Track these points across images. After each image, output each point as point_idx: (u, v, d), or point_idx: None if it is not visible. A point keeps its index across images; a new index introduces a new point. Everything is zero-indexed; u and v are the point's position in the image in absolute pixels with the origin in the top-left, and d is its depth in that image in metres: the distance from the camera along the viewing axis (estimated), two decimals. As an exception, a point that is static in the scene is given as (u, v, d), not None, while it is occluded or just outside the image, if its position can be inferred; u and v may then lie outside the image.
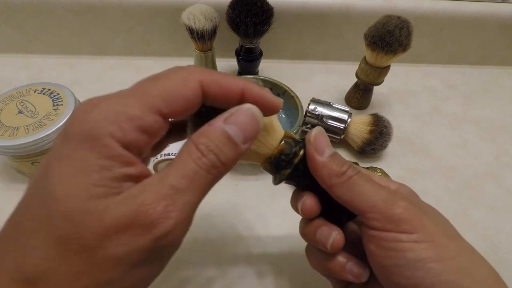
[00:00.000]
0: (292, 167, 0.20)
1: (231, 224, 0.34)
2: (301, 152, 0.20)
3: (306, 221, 0.21)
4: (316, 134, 0.19)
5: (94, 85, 0.50)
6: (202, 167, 0.14)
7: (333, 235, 0.19)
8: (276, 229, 0.34)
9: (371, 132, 0.39)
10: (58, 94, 0.37)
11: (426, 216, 0.18)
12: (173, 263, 0.31)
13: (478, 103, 0.53)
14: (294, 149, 0.20)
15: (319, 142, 0.19)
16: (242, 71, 0.51)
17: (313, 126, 0.41)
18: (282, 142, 0.20)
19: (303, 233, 0.22)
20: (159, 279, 0.17)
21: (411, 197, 0.21)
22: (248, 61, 0.48)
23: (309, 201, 0.20)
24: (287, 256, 0.32)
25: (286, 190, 0.38)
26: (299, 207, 0.20)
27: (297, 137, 0.21)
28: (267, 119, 0.18)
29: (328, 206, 0.21)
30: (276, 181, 0.21)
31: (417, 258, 0.16)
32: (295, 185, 0.22)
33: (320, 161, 0.19)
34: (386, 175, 0.37)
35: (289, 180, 0.21)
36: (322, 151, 0.19)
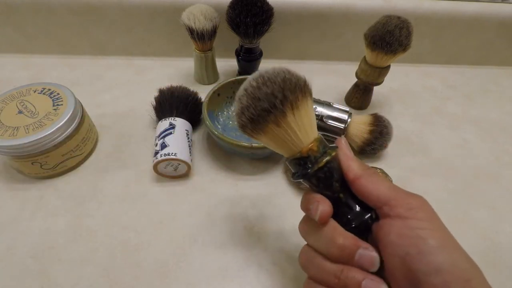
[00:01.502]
0: (318, 166, 0.21)
1: (231, 223, 0.34)
2: (333, 153, 0.21)
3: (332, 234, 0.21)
4: (345, 139, 0.23)
5: (94, 85, 0.50)
6: None
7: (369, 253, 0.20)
8: (276, 229, 0.34)
9: (371, 132, 0.39)
10: (58, 94, 0.37)
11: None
12: (171, 264, 0.31)
13: (478, 103, 0.53)
14: (324, 150, 0.21)
15: (348, 145, 0.23)
16: (242, 71, 0.51)
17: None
18: (314, 143, 0.21)
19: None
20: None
21: None
22: (248, 61, 0.48)
23: (325, 206, 0.21)
24: (288, 256, 0.32)
25: (286, 190, 0.38)
26: (318, 210, 0.21)
27: (325, 142, 0.22)
28: (305, 118, 0.20)
29: (339, 210, 0.22)
30: (295, 177, 0.22)
31: (439, 244, 0.17)
32: (311, 185, 0.22)
33: (352, 155, 0.22)
34: (386, 175, 0.37)
35: (309, 178, 0.21)
36: (351, 151, 0.23)
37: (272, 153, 0.40)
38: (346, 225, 0.21)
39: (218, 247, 0.32)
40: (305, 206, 0.22)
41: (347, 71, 0.49)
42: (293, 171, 0.23)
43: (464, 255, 0.18)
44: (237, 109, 0.21)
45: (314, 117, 0.22)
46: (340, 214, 0.22)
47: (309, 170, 0.21)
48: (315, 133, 0.22)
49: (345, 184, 0.22)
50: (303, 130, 0.21)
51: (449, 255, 0.17)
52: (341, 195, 0.22)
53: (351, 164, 0.22)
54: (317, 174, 0.21)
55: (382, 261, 0.20)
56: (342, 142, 0.23)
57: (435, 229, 0.18)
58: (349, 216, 0.22)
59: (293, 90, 0.20)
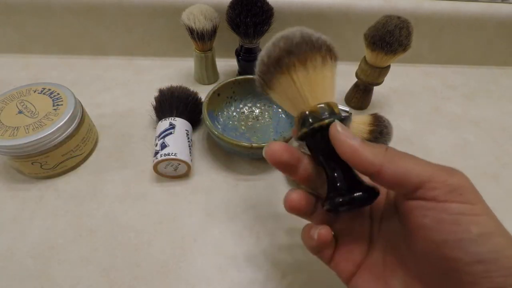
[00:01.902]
0: (309, 129, 0.20)
1: (231, 223, 0.34)
2: (304, 130, 0.20)
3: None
4: (342, 125, 0.19)
5: (94, 85, 0.50)
6: None
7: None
8: (276, 229, 0.34)
9: (371, 132, 0.39)
10: (58, 94, 0.37)
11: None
12: (171, 264, 0.31)
13: (478, 103, 0.53)
14: (324, 116, 0.20)
15: (348, 130, 0.19)
16: (242, 71, 0.51)
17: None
18: (320, 105, 0.20)
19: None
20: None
21: None
22: (248, 61, 0.48)
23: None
24: (288, 255, 0.32)
25: (286, 190, 0.38)
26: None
27: (339, 111, 0.21)
28: (289, 91, 0.20)
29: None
30: (296, 137, 0.22)
31: (483, 232, 0.16)
32: (313, 151, 0.21)
33: (357, 145, 0.18)
34: None
35: (305, 141, 0.21)
36: (353, 137, 0.18)
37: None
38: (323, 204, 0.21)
39: (218, 247, 0.32)
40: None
41: (347, 71, 0.49)
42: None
43: (509, 240, 0.16)
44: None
45: (307, 90, 0.20)
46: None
47: (293, 137, 0.22)
48: (306, 106, 0.20)
49: (333, 158, 0.20)
50: (289, 103, 0.21)
51: (493, 244, 0.15)
52: (327, 170, 0.21)
53: (363, 158, 0.18)
54: (299, 142, 0.22)
55: (409, 243, 0.19)
56: (336, 136, 0.18)
57: (477, 214, 0.16)
58: (326, 196, 0.21)
59: (267, 71, 0.21)
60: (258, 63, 0.22)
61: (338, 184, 0.20)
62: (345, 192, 0.19)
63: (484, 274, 0.15)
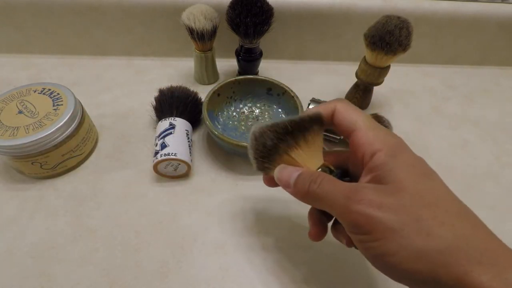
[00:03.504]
0: None
1: (231, 223, 0.34)
2: None
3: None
4: (277, 174, 0.23)
5: (94, 85, 0.50)
6: None
7: None
8: (276, 229, 0.34)
9: (371, 132, 0.39)
10: (58, 94, 0.37)
11: (381, 210, 0.19)
12: (171, 264, 0.31)
13: (478, 103, 0.53)
14: None
15: (282, 179, 0.23)
16: (242, 71, 0.51)
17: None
18: (319, 169, 0.23)
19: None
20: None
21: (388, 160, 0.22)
22: (248, 61, 0.48)
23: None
24: (287, 255, 0.32)
25: (285, 191, 0.38)
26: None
27: (332, 167, 0.23)
28: (312, 146, 0.23)
29: None
30: None
31: (380, 253, 0.19)
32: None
33: (290, 191, 0.23)
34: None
35: None
36: (287, 185, 0.22)
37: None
38: None
39: (218, 247, 0.32)
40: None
41: (347, 71, 0.49)
42: None
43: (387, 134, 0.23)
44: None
45: (306, 160, 0.23)
46: None
47: None
48: (316, 164, 0.23)
49: None
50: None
51: (377, 157, 0.21)
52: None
53: (295, 197, 0.23)
54: None
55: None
56: (278, 180, 0.23)
57: (374, 240, 0.19)
58: None
59: (266, 156, 0.23)
60: (254, 149, 0.23)
61: None
62: None
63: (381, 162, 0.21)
